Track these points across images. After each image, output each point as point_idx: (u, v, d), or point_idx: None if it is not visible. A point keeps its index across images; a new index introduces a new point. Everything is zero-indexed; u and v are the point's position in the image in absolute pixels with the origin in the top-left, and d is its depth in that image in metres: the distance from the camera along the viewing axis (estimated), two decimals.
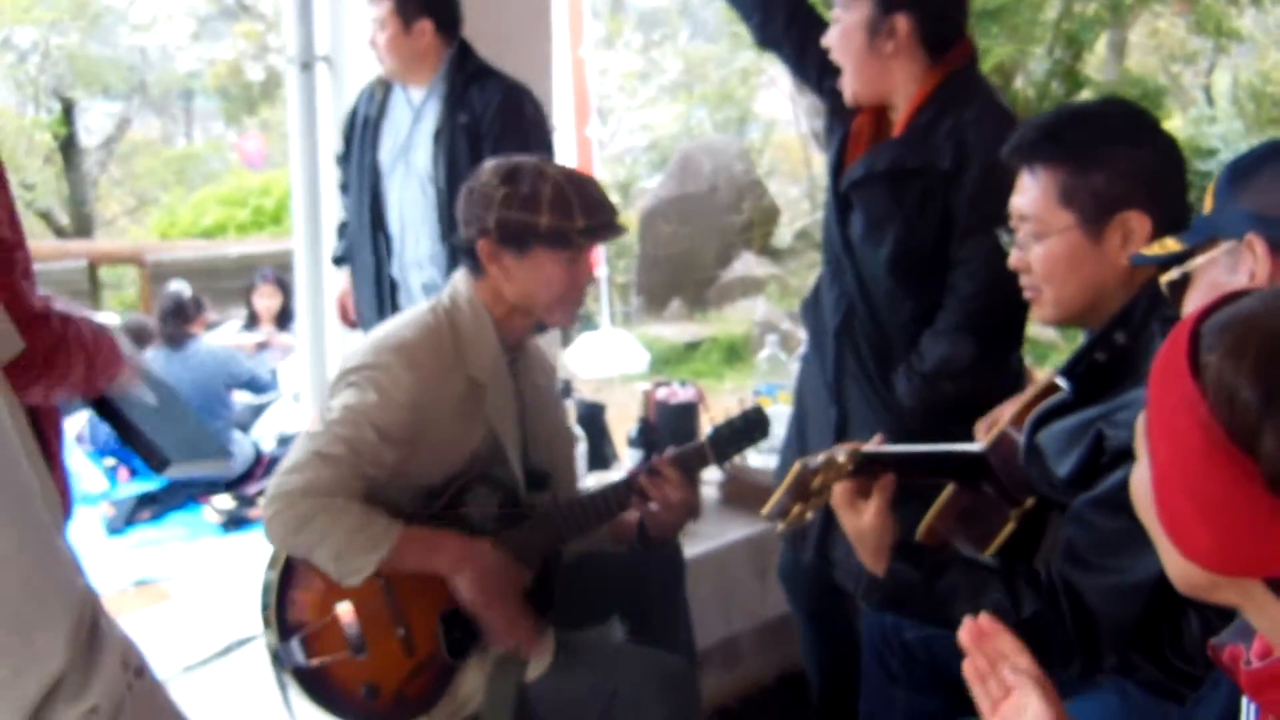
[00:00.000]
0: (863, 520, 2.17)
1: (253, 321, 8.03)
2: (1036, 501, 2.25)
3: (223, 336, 7.78)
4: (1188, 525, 1.24)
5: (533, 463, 2.75)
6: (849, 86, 2.93)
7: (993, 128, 2.70)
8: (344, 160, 4.26)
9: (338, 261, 4.40)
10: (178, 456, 2.30)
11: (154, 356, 6.55)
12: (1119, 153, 2.08)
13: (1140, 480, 1.32)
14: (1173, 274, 1.76)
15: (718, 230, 13.51)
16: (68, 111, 19.37)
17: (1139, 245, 2.03)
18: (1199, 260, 1.73)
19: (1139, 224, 2.05)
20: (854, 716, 3.06)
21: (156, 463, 2.27)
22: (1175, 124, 15.79)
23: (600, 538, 2.89)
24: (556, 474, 2.83)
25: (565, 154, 8.73)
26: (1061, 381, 2.17)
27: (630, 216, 15.83)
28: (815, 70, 3.11)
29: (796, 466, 2.17)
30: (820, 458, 2.18)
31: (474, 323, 2.63)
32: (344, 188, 4.30)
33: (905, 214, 2.85)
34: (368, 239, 4.11)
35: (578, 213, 2.57)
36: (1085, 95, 13.75)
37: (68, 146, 19.34)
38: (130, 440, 2.23)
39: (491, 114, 3.87)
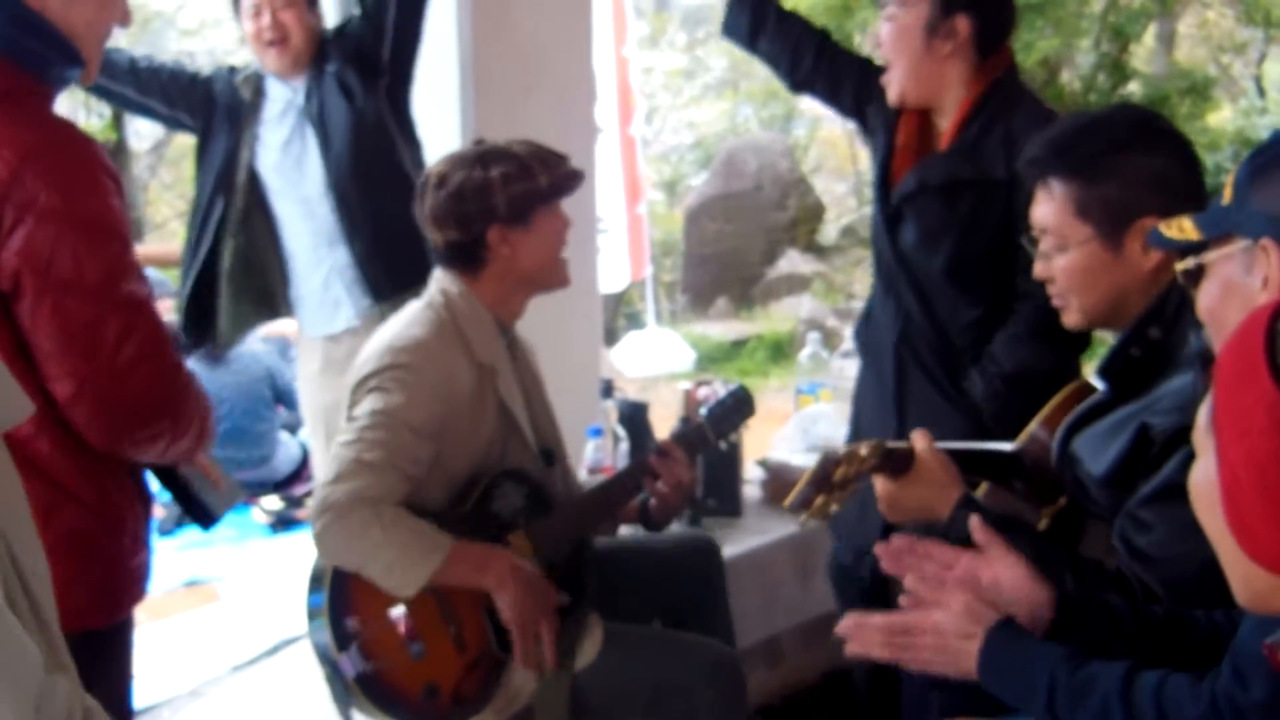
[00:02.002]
0: (922, 471, 2.19)
1: None
2: (1069, 502, 2.24)
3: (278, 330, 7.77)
4: (1258, 527, 1.20)
5: (542, 440, 2.82)
6: (897, 85, 2.92)
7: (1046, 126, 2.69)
8: None
9: None
10: (220, 507, 2.32)
11: (196, 366, 6.61)
12: (1130, 161, 2.07)
13: (1203, 480, 1.29)
14: (1188, 263, 1.73)
15: (763, 228, 13.47)
16: (118, 117, 19.53)
17: (1161, 251, 2.02)
18: (1213, 254, 1.70)
19: None
20: (898, 716, 3.12)
21: (208, 522, 2.30)
22: (1225, 115, 15.63)
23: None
24: (559, 450, 2.90)
25: (610, 153, 8.74)
26: (1097, 382, 2.16)
27: (676, 215, 15.82)
28: (851, 99, 3.14)
29: (820, 457, 2.17)
30: (842, 450, 2.18)
31: (471, 312, 2.67)
32: None
33: (960, 225, 2.86)
34: None
35: (556, 162, 2.69)
36: (1133, 88, 13.64)
37: (118, 151, 19.45)
38: (184, 501, 2.25)
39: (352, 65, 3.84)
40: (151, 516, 2.11)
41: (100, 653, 1.96)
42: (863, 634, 1.83)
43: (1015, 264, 2.79)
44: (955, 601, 1.77)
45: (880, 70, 3.05)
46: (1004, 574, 1.84)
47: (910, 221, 2.94)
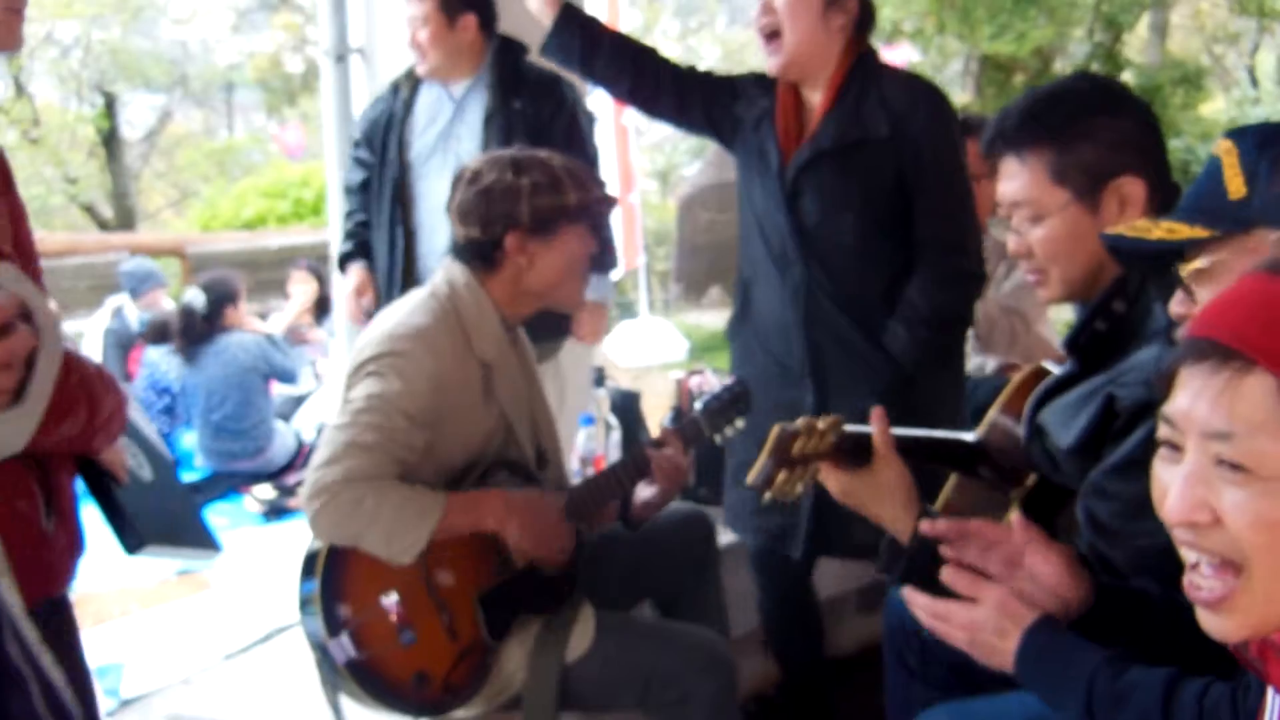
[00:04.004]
0: (880, 478, 2.16)
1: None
2: (1038, 483, 2.25)
3: (273, 329, 7.79)
4: None
5: (539, 441, 2.82)
6: (786, 55, 3.01)
7: (912, 88, 3.03)
8: (361, 160, 4.20)
9: (346, 257, 4.28)
10: (158, 537, 2.14)
11: (176, 363, 6.63)
12: (1100, 123, 2.08)
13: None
14: (1200, 263, 1.67)
15: None
16: (110, 105, 19.53)
17: (1137, 209, 2.03)
18: (1227, 251, 1.65)
19: (1133, 188, 2.06)
20: (822, 686, 3.38)
21: (132, 542, 2.10)
22: (1218, 105, 15.66)
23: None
24: (553, 454, 2.89)
25: (603, 142, 8.73)
26: (1053, 366, 2.18)
27: (669, 204, 15.82)
28: (700, 111, 3.24)
29: (775, 430, 2.13)
30: (799, 422, 2.14)
31: (475, 307, 2.67)
32: (360, 187, 4.22)
33: (858, 187, 2.98)
34: (385, 238, 4.09)
35: (590, 184, 2.69)
36: (1126, 78, 13.65)
37: (110, 140, 19.52)
38: (109, 513, 2.09)
39: (561, 106, 3.93)
40: (72, 505, 1.94)
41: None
42: (912, 602, 1.82)
43: (912, 217, 2.97)
44: (991, 598, 1.76)
45: (716, 77, 3.24)
46: (1041, 566, 1.83)
47: (810, 196, 3.03)
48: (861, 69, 3.03)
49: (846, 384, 3.03)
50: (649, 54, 3.23)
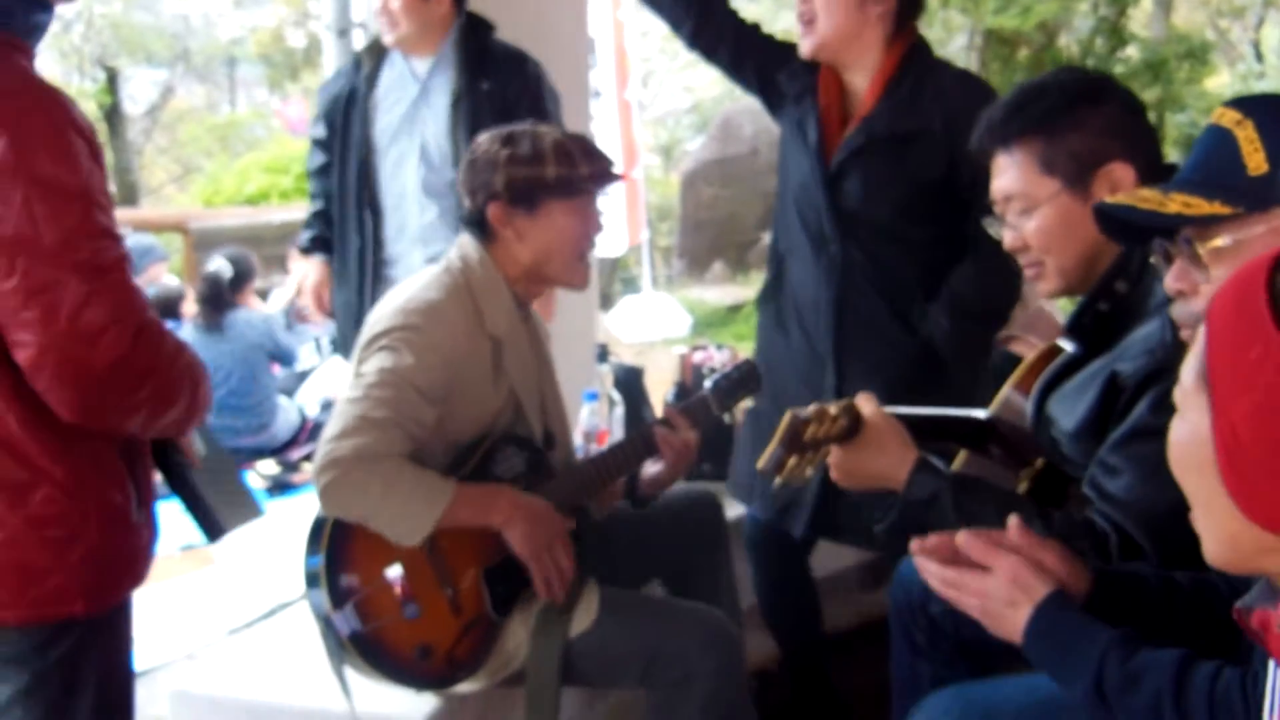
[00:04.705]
0: (869, 433, 2.19)
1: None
2: (1047, 464, 2.25)
3: (274, 307, 7.78)
4: (1261, 485, 1.18)
5: (545, 420, 2.81)
6: (819, 38, 3.02)
7: (969, 85, 3.06)
8: (324, 142, 4.11)
9: (306, 250, 4.21)
10: (229, 518, 2.23)
11: (191, 335, 6.60)
12: (1086, 111, 2.09)
13: (1188, 438, 1.26)
14: (1220, 241, 1.64)
15: (759, 193, 13.44)
16: (112, 80, 19.48)
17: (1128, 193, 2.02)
18: (1244, 232, 1.62)
19: (1123, 173, 2.06)
20: (821, 663, 3.40)
21: (213, 531, 2.20)
22: (1223, 80, 15.60)
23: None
24: (561, 435, 2.89)
25: (606, 117, 8.71)
26: (1065, 343, 2.18)
27: (672, 179, 15.80)
28: (754, 72, 3.26)
29: (788, 416, 2.14)
30: (811, 408, 2.16)
31: (488, 282, 2.67)
32: (320, 171, 4.14)
33: (908, 175, 2.99)
34: (354, 219, 4.02)
35: (581, 160, 2.67)
36: (1130, 52, 13.60)
37: (113, 115, 19.46)
38: (192, 506, 2.16)
39: (525, 85, 3.86)
40: (154, 497, 2.02)
41: (87, 641, 1.92)
42: (924, 569, 1.82)
43: (966, 208, 2.92)
44: (1004, 568, 1.76)
45: (777, 41, 3.25)
46: (1045, 555, 1.82)
47: (854, 179, 3.03)
48: (916, 60, 3.03)
49: (869, 368, 3.03)
50: (719, 3, 3.26)
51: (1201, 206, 1.64)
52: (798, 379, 3.14)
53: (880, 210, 3.02)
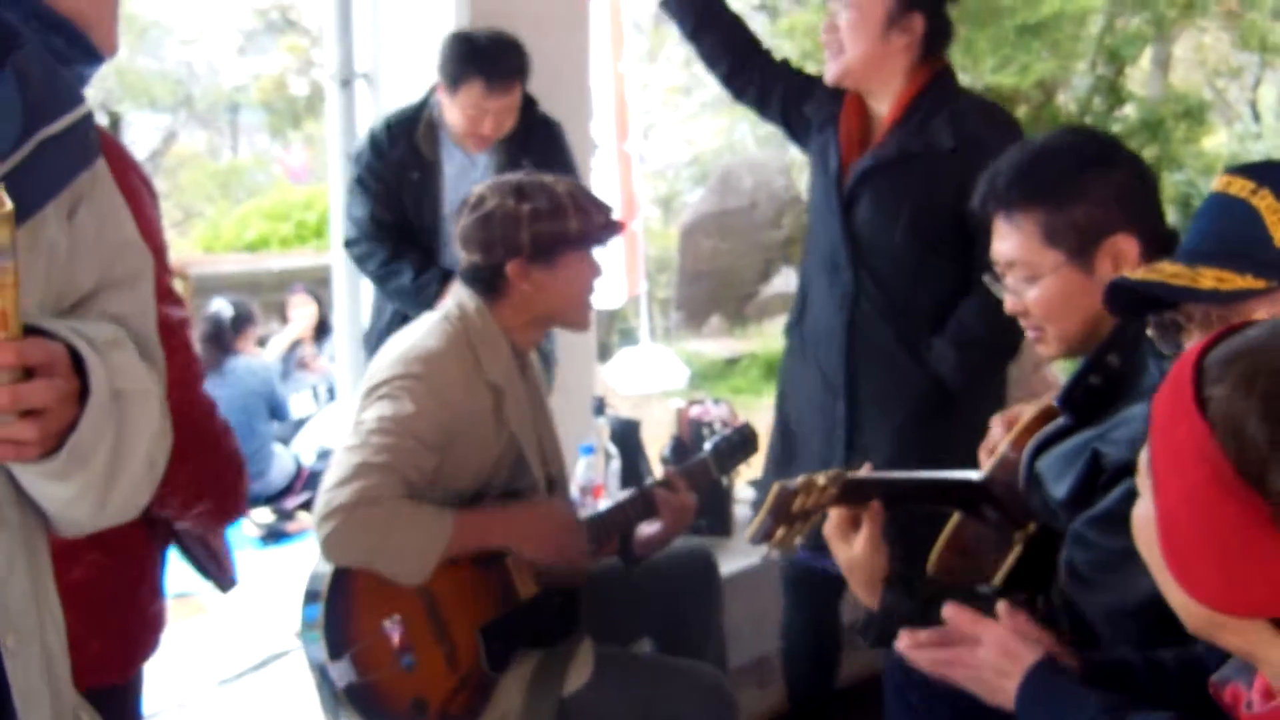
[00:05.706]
0: (854, 551, 2.17)
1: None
2: (1040, 527, 2.24)
3: (271, 354, 7.77)
4: (1194, 564, 1.20)
5: (545, 466, 2.82)
6: (843, 66, 3.07)
7: (990, 113, 3.11)
8: (389, 225, 3.96)
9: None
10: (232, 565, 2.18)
11: None
12: (1092, 181, 2.08)
13: (1143, 517, 1.28)
14: (1264, 315, 1.58)
15: (758, 245, 13.48)
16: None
17: (1131, 267, 2.01)
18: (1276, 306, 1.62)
19: (1127, 245, 2.06)
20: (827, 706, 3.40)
21: (226, 583, 2.18)
22: (1220, 140, 15.65)
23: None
24: (561, 481, 2.91)
25: (606, 169, 8.74)
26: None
27: (671, 231, 15.82)
28: (779, 104, 3.31)
29: (775, 488, 2.14)
30: (799, 480, 2.15)
31: (486, 332, 2.68)
32: (388, 229, 3.97)
33: (914, 195, 3.01)
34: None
35: (594, 210, 2.70)
36: (1128, 111, 13.66)
37: None
38: (201, 559, 2.08)
39: (560, 153, 3.91)
40: (165, 563, 1.99)
41: (109, 713, 1.89)
42: (915, 660, 1.82)
43: (975, 235, 2.86)
44: (992, 638, 1.75)
45: (798, 72, 3.32)
46: (1032, 625, 1.82)
47: (865, 203, 3.06)
48: (938, 87, 3.06)
49: (881, 399, 3.05)
50: (754, 45, 3.34)
51: (1235, 281, 1.64)
52: (811, 407, 3.15)
53: (890, 235, 3.03)
